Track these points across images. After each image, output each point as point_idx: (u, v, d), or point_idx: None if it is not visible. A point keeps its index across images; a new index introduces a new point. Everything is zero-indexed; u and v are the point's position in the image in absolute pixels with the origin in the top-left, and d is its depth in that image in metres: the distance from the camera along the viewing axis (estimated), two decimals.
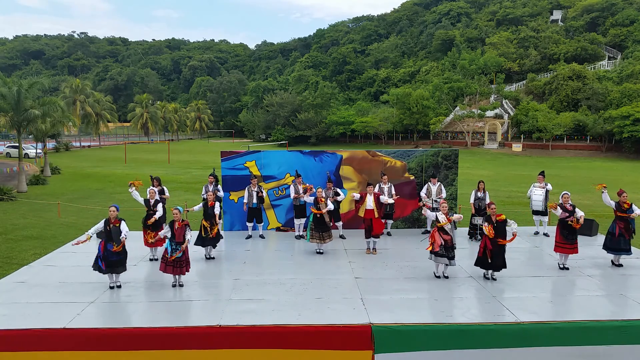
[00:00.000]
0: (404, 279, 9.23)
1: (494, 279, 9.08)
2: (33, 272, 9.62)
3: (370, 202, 10.71)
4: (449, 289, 8.70)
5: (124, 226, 8.55)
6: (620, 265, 10.05)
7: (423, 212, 10.03)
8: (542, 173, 12.56)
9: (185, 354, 6.94)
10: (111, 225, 8.46)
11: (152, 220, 10.10)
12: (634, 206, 9.96)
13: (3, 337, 6.91)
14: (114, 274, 8.62)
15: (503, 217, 8.97)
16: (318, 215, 10.69)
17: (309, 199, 11.08)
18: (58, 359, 6.88)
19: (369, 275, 9.40)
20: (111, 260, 8.43)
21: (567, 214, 9.66)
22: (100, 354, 6.88)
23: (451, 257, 9.06)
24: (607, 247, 10.15)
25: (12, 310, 7.68)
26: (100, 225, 8.59)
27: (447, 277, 9.20)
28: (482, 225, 9.39)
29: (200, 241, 10.34)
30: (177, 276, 8.77)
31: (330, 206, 11.03)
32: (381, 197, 11.18)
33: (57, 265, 10.10)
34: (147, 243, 10.27)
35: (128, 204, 11.03)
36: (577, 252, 9.78)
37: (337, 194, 11.69)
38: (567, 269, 9.77)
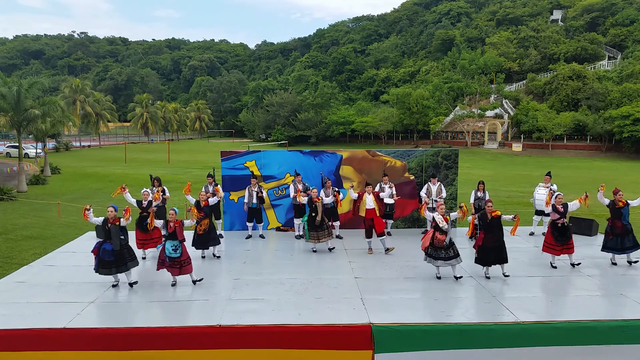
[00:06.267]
0: (404, 279, 9.23)
1: (488, 277, 9.10)
2: (33, 272, 9.61)
3: (370, 202, 10.71)
4: (448, 289, 8.70)
5: (123, 221, 8.64)
6: (636, 262, 9.92)
7: (423, 211, 10.02)
8: (548, 174, 12.59)
9: (185, 354, 6.94)
10: (110, 225, 8.44)
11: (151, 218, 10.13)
12: (630, 202, 9.95)
13: (3, 337, 6.91)
14: (118, 273, 8.59)
15: (498, 213, 9.03)
16: (313, 214, 10.71)
17: (303, 199, 11.09)
18: (58, 359, 6.88)
19: (369, 275, 9.40)
20: (106, 260, 8.39)
21: (558, 216, 9.67)
22: (100, 354, 6.88)
23: (448, 258, 8.99)
24: (606, 247, 10.11)
25: (12, 310, 7.67)
26: (99, 220, 8.58)
27: (439, 278, 9.14)
28: (477, 223, 9.41)
29: (195, 243, 10.28)
30: (176, 276, 8.78)
31: (327, 200, 11.11)
32: (381, 194, 11.20)
33: (57, 265, 10.09)
34: (139, 245, 10.26)
35: (126, 204, 11.02)
36: (572, 252, 9.76)
37: (338, 193, 11.71)
38: (555, 267, 9.78)
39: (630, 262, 10.02)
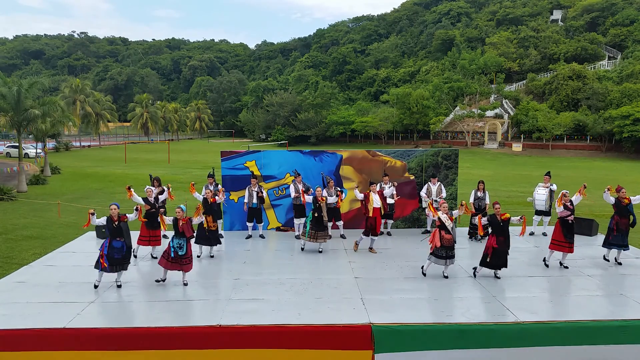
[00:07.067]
0: (404, 279, 9.23)
1: (498, 277, 9.13)
2: (33, 272, 9.61)
3: (377, 200, 10.76)
4: (449, 289, 8.70)
5: (130, 216, 8.79)
6: (620, 264, 10.09)
7: (427, 212, 10.05)
8: (548, 173, 12.64)
9: (185, 354, 6.94)
10: (119, 222, 8.50)
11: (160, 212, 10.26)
12: (632, 198, 10.03)
13: (3, 337, 6.91)
14: (116, 272, 8.61)
15: (507, 215, 9.03)
16: (316, 214, 10.73)
17: (308, 198, 11.12)
18: (58, 359, 6.88)
19: (369, 275, 9.40)
20: (115, 258, 8.44)
21: (569, 212, 9.71)
22: (100, 354, 6.88)
23: (450, 257, 9.07)
24: (610, 243, 10.19)
25: (12, 310, 7.67)
26: (102, 220, 8.62)
27: (446, 277, 9.21)
28: (486, 223, 9.43)
29: (203, 240, 10.36)
30: (180, 273, 8.82)
31: (331, 199, 11.21)
32: (384, 191, 11.24)
33: (57, 265, 10.09)
34: (143, 242, 10.34)
35: (128, 203, 11.05)
36: (572, 252, 9.81)
37: (341, 192, 11.75)
38: (567, 267, 9.82)
39: (619, 262, 10.15)
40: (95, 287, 8.57)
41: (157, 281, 8.83)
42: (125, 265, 8.61)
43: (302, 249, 11.17)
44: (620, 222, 10.01)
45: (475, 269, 9.30)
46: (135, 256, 10.53)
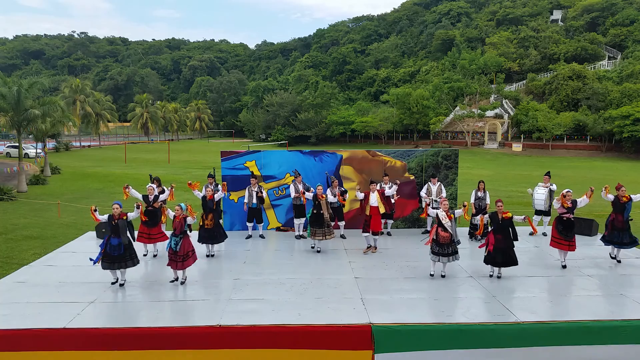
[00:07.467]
0: (404, 279, 9.23)
1: (499, 277, 9.13)
2: (33, 272, 9.62)
3: (374, 199, 10.76)
4: (449, 289, 8.70)
5: (131, 214, 8.88)
6: (619, 262, 10.09)
7: (427, 212, 10.03)
8: (547, 173, 12.65)
9: (185, 354, 6.94)
10: (118, 220, 8.56)
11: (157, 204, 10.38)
12: (633, 196, 10.03)
13: (3, 337, 6.91)
14: (118, 270, 8.64)
15: (509, 214, 9.00)
16: (315, 211, 10.74)
17: (308, 195, 11.14)
18: (58, 359, 6.89)
19: (369, 275, 9.41)
20: (113, 255, 8.49)
21: (565, 211, 9.71)
22: (100, 354, 6.88)
23: (449, 254, 9.04)
24: (605, 239, 10.23)
25: (12, 310, 7.68)
26: (105, 217, 8.71)
27: (443, 276, 9.19)
28: (487, 222, 9.43)
29: (201, 238, 10.43)
30: (179, 272, 8.87)
31: (331, 199, 11.18)
32: (386, 191, 11.24)
33: (57, 265, 10.10)
34: (144, 239, 10.39)
35: (129, 203, 11.04)
36: (573, 250, 9.81)
37: (344, 192, 11.75)
38: (564, 267, 9.80)
39: (618, 260, 10.16)
40: (121, 285, 8.66)
41: (172, 281, 8.87)
42: (123, 263, 8.60)
43: (313, 247, 11.15)
44: (616, 220, 10.04)
45: (490, 274, 9.27)
46: (144, 254, 10.58)
